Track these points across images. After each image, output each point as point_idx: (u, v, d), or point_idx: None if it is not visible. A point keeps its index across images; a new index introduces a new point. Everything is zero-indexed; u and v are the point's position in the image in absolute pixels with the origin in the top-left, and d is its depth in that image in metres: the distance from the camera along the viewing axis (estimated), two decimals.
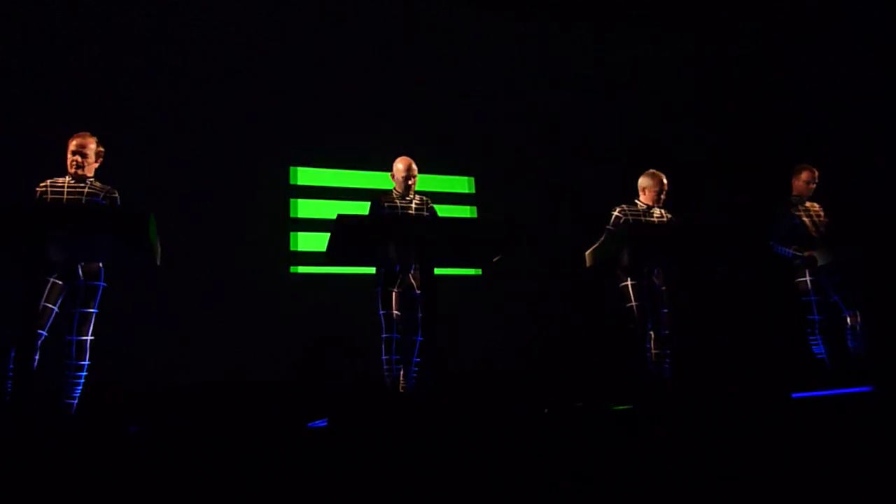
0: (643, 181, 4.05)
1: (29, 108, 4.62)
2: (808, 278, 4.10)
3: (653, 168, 4.06)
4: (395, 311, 3.59)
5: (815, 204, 4.33)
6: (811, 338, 4.12)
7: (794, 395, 3.00)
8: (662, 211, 4.02)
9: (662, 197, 3.99)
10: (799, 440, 2.56)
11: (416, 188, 3.91)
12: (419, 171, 3.87)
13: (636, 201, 4.04)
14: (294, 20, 5.50)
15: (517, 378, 5.03)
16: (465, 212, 5.67)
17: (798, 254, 4.08)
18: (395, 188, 3.85)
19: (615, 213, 3.97)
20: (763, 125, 6.69)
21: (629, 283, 3.81)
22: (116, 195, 3.34)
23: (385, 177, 4.01)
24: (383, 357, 3.60)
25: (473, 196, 5.75)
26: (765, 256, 4.28)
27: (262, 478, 2.02)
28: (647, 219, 3.95)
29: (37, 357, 2.86)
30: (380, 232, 2.82)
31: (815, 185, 4.31)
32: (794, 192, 4.35)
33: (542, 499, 2.09)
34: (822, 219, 4.27)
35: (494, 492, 2.10)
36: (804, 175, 4.32)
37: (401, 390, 3.54)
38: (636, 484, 2.20)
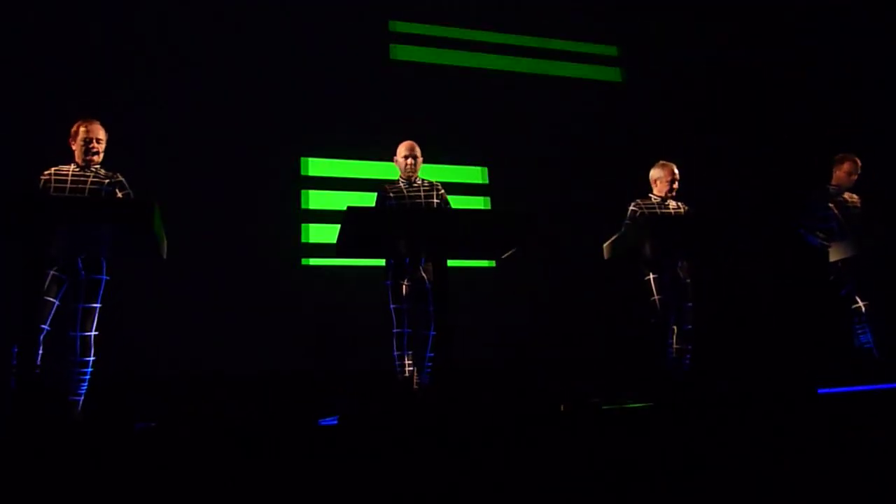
0: (654, 173, 3.94)
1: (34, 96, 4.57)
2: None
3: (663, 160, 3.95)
4: (405, 305, 3.51)
5: (855, 195, 4.14)
6: (857, 327, 3.94)
7: (821, 392, 2.89)
8: (678, 203, 3.91)
9: (675, 187, 3.87)
10: (824, 439, 2.46)
11: (431, 178, 3.82)
12: (432, 162, 3.76)
13: (650, 195, 3.93)
14: (302, 9, 5.42)
15: (532, 373, 4.95)
16: (479, 202, 5.56)
17: (825, 242, 3.93)
18: (400, 175, 3.75)
19: (631, 208, 3.89)
20: (795, 109, 6.46)
21: (651, 276, 3.72)
22: (123, 179, 3.24)
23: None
24: (395, 353, 3.53)
25: (487, 186, 5.64)
26: (793, 246, 4.12)
27: (271, 475, 1.97)
28: (663, 211, 3.85)
29: (40, 352, 2.82)
30: (389, 224, 2.73)
31: (857, 177, 4.11)
32: (833, 182, 4.15)
33: (557, 496, 2.03)
34: (858, 210, 4.08)
35: (508, 489, 2.03)
36: (846, 166, 4.12)
37: (415, 387, 3.46)
38: (651, 482, 2.13)
